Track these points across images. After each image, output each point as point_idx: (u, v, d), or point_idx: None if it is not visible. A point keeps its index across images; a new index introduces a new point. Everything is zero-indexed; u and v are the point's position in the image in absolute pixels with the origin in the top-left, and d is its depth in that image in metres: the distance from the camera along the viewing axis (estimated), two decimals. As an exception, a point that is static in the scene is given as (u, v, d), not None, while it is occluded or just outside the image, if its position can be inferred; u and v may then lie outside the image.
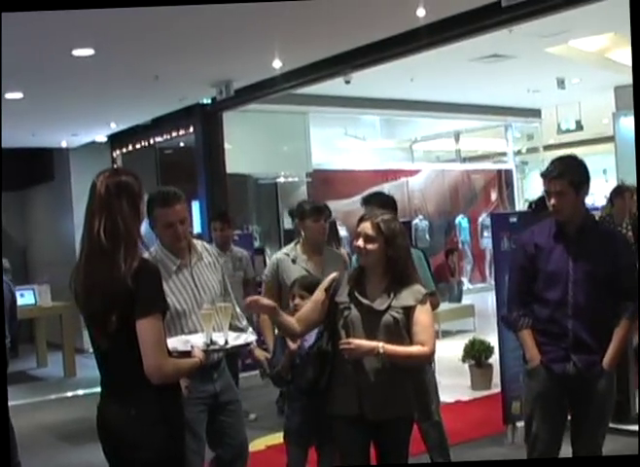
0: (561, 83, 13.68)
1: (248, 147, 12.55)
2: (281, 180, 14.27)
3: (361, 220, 3.86)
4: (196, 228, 11.18)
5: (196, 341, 3.49)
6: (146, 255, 4.07)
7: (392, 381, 3.72)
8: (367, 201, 5.20)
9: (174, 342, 3.39)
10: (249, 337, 3.81)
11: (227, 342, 3.54)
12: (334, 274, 3.97)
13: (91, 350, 3.29)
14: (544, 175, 4.24)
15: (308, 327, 3.90)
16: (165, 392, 3.13)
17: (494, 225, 6.94)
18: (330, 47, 8.36)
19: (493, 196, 18.21)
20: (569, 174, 4.13)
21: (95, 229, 3.06)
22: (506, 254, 6.50)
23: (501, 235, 6.63)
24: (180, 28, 6.91)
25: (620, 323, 4.10)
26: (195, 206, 11.16)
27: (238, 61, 8.43)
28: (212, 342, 3.49)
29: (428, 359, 3.89)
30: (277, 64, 8.58)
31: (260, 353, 4.64)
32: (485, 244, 17.38)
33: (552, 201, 4.15)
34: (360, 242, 3.78)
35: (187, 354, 3.32)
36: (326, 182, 14.15)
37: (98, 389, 3.33)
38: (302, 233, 5.15)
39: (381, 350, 3.60)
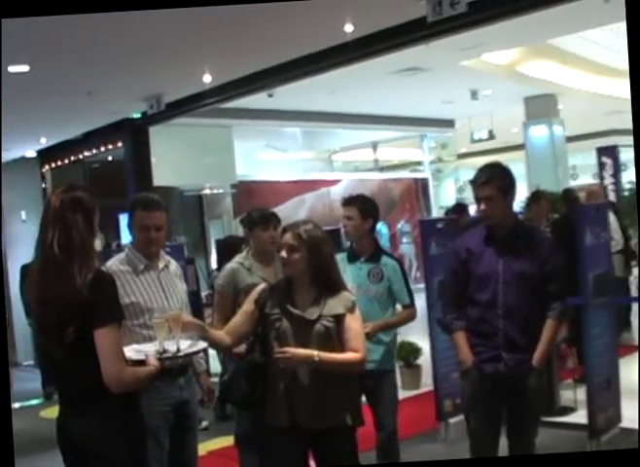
0: (474, 94, 14.15)
1: (174, 160, 12.65)
2: (206, 192, 14.42)
3: (283, 231, 3.82)
4: (127, 240, 11.17)
5: (149, 349, 3.51)
6: (110, 263, 4.23)
7: (325, 390, 3.68)
8: (346, 203, 5.10)
9: (127, 352, 3.39)
10: (200, 344, 3.78)
11: (179, 350, 3.56)
12: (262, 285, 3.94)
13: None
14: (473, 182, 4.38)
15: (239, 339, 3.86)
16: (125, 402, 3.17)
17: (423, 230, 7.15)
18: (259, 61, 8.52)
19: (411, 203, 18.60)
20: (496, 180, 4.28)
21: (49, 241, 3.10)
22: (434, 258, 6.73)
23: (429, 241, 6.82)
24: (114, 43, 6.99)
25: (548, 322, 4.26)
26: (125, 219, 11.18)
27: (169, 76, 8.53)
28: (165, 351, 3.51)
29: (361, 365, 3.82)
30: (207, 79, 8.71)
31: (207, 380, 4.62)
32: (404, 250, 17.75)
33: (482, 207, 4.28)
34: (283, 253, 3.74)
35: (141, 363, 3.34)
36: (250, 193, 14.31)
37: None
38: (252, 243, 5.02)
39: (317, 358, 3.58)
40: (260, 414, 3.82)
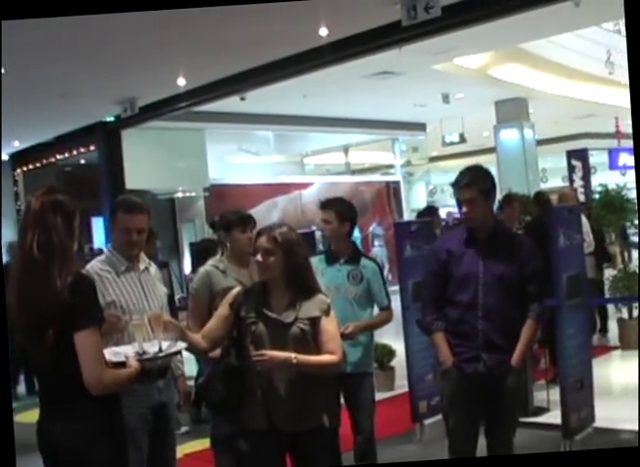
0: (446, 98, 14.28)
1: (146, 163, 12.63)
2: (179, 195, 14.43)
3: (258, 234, 3.78)
4: (99, 243, 11.18)
5: (127, 351, 3.48)
6: (91, 264, 4.19)
7: (302, 392, 3.66)
8: (322, 206, 5.08)
9: (107, 354, 3.34)
10: (179, 345, 3.74)
11: (160, 350, 3.53)
12: (237, 289, 3.89)
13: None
14: (454, 184, 4.38)
15: (214, 343, 3.83)
16: (107, 404, 3.16)
17: (397, 233, 7.17)
18: (233, 65, 8.55)
19: (382, 206, 18.69)
20: (478, 182, 4.30)
21: (28, 243, 3.09)
22: (409, 260, 6.77)
23: (404, 243, 6.82)
24: (89, 46, 6.98)
25: (527, 323, 4.31)
26: (99, 222, 11.17)
27: (143, 79, 8.54)
28: (144, 352, 3.47)
29: (338, 367, 3.81)
30: (181, 82, 8.71)
31: (184, 384, 4.60)
32: (376, 253, 17.79)
33: (464, 209, 4.30)
34: (259, 257, 3.71)
35: (121, 365, 3.31)
36: (222, 196, 14.29)
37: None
38: (229, 245, 4.95)
39: (294, 361, 3.57)
40: (236, 418, 3.80)
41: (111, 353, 3.45)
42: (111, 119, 10.80)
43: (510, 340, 4.29)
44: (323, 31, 7.26)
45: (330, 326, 3.76)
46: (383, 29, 7.31)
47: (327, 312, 3.77)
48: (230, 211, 5.19)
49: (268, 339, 3.69)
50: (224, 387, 3.79)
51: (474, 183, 4.30)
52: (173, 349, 3.67)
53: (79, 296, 3.07)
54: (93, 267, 4.16)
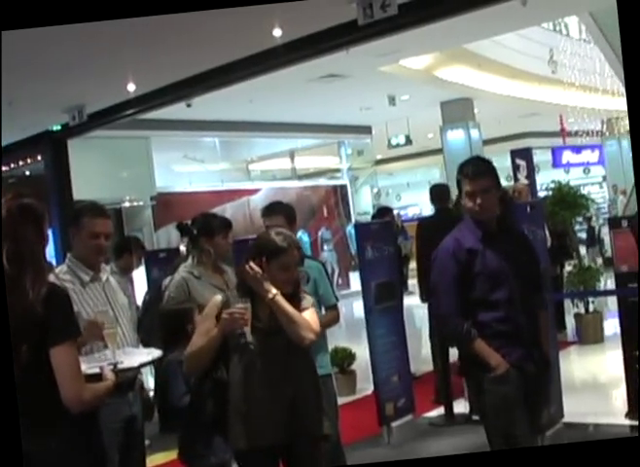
0: (392, 100, 14.35)
1: (92, 173, 12.48)
2: (126, 204, 14.26)
3: (282, 251, 3.64)
4: (50, 255, 10.92)
5: (102, 362, 3.35)
6: (52, 278, 4.04)
7: (292, 404, 3.59)
8: (270, 212, 5.01)
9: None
10: (154, 353, 3.70)
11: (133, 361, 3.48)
12: (218, 298, 3.75)
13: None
14: (468, 176, 4.05)
15: (205, 364, 3.69)
16: (84, 419, 3.04)
17: (358, 234, 7.07)
18: (183, 70, 8.43)
19: (330, 210, 18.69)
20: (491, 172, 4.09)
21: None
22: (371, 262, 6.70)
23: (365, 245, 6.70)
24: (36, 53, 6.81)
25: (541, 315, 4.18)
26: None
27: (91, 86, 8.37)
28: (117, 362, 3.39)
29: (308, 336, 3.60)
30: (131, 88, 8.58)
31: (144, 394, 4.45)
32: (326, 257, 17.78)
33: (479, 201, 3.98)
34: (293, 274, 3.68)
35: (94, 377, 3.16)
36: (169, 205, 14.20)
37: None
38: (211, 250, 4.83)
39: (272, 296, 3.55)
40: (228, 435, 3.67)
41: (84, 364, 3.27)
42: (57, 128, 10.59)
43: (538, 333, 4.14)
44: (276, 32, 7.16)
45: (310, 314, 3.67)
46: (338, 29, 7.22)
47: (311, 307, 3.73)
48: (205, 215, 5.12)
49: (260, 349, 3.60)
50: (214, 404, 3.66)
51: (487, 173, 4.08)
52: (149, 358, 3.60)
53: (54, 309, 2.91)
54: (57, 277, 3.95)
